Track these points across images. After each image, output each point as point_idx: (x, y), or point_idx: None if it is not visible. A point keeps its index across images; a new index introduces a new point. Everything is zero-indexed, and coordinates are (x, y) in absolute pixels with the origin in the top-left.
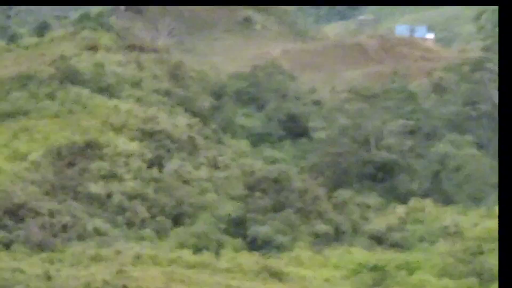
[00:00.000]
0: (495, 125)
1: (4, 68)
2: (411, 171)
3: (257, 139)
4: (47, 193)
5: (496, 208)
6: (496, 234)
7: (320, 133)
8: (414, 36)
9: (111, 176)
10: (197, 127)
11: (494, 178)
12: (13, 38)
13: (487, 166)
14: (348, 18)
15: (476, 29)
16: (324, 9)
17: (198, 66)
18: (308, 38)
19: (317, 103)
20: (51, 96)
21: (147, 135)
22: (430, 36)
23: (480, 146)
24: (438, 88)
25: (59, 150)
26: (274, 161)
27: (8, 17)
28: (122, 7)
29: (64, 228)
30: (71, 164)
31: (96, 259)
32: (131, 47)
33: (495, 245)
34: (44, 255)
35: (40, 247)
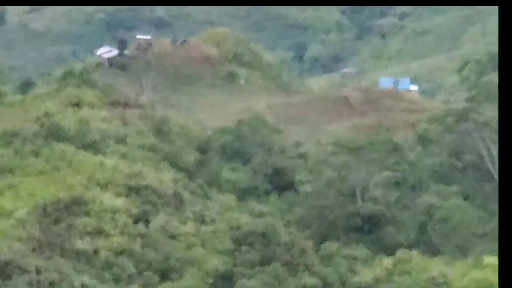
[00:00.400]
0: (480, 175)
1: None
2: (398, 222)
3: (243, 193)
4: (33, 250)
5: (484, 259)
6: (484, 284)
7: (306, 186)
8: (398, 88)
9: (97, 232)
10: (183, 182)
11: (481, 229)
12: None
13: (474, 216)
14: (331, 71)
15: (459, 80)
16: (307, 62)
17: (183, 121)
18: (292, 92)
19: (302, 156)
20: (36, 153)
21: (133, 191)
22: (414, 87)
23: (465, 196)
24: (423, 140)
25: (45, 207)
26: (260, 215)
27: None
28: (106, 64)
29: (51, 284)
30: (57, 221)
31: None
32: (115, 103)
33: None
34: None
35: None
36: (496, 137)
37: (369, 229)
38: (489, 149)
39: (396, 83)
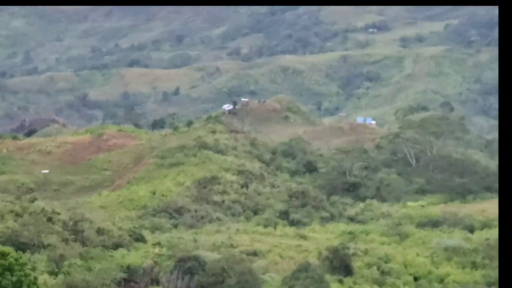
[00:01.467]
0: (405, 163)
1: None
2: (366, 186)
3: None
4: None
5: (408, 203)
6: (413, 213)
7: (322, 169)
8: (366, 122)
9: None
10: None
11: (405, 189)
12: None
13: (401, 183)
14: (334, 114)
15: (395, 118)
16: (323, 111)
17: (260, 136)
18: (315, 125)
19: (321, 155)
20: None
21: None
22: (373, 122)
23: (398, 174)
24: (378, 147)
25: None
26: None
27: None
28: (227, 112)
29: None
30: None
31: None
32: (232, 131)
33: None
34: None
35: None
36: (413, 145)
37: (352, 189)
38: (409, 151)
39: (365, 120)
